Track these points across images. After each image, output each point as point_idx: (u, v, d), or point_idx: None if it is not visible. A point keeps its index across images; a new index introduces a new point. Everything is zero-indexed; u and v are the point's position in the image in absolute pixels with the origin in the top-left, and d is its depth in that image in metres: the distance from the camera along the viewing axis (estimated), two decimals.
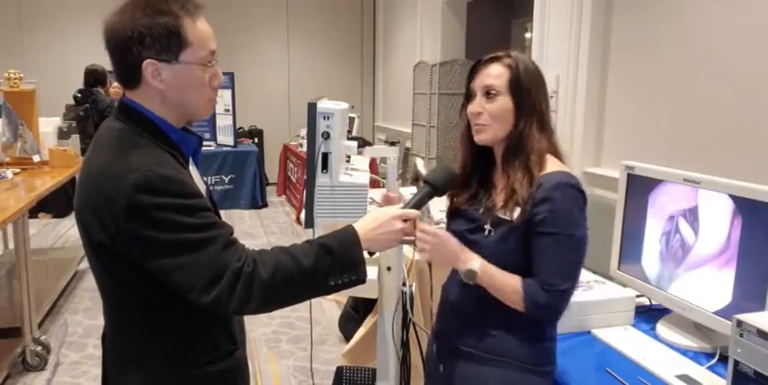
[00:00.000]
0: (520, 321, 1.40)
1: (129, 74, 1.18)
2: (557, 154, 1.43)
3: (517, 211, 1.36)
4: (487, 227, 1.41)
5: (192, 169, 1.28)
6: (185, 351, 1.27)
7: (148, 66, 1.15)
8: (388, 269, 1.72)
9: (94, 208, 1.14)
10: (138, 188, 1.09)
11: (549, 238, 1.34)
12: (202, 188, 1.27)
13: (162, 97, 1.20)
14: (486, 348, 1.44)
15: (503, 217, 1.39)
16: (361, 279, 1.23)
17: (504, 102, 1.39)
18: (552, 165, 1.39)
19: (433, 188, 1.40)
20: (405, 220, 1.30)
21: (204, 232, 1.14)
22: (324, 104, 1.51)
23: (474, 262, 1.37)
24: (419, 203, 1.38)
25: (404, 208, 1.35)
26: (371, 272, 1.69)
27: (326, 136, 1.49)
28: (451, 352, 1.51)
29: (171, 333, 1.26)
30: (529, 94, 1.39)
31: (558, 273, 1.35)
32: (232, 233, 1.19)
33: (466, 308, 1.48)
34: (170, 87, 1.18)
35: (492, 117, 1.40)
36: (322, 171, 1.51)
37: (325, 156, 1.50)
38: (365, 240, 1.24)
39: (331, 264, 1.19)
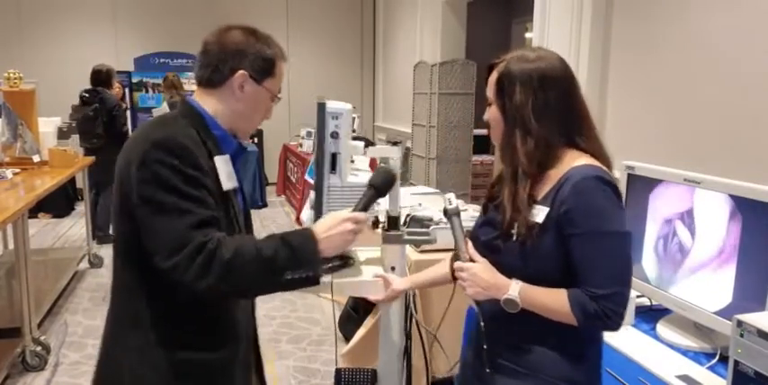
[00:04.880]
0: (557, 335, 1.31)
1: (219, 76, 1.37)
2: (595, 154, 1.33)
3: (544, 212, 1.28)
4: (514, 231, 1.31)
5: (222, 163, 1.35)
6: (173, 329, 1.34)
7: (240, 76, 1.36)
8: (393, 269, 1.72)
9: (126, 162, 1.29)
10: (155, 144, 1.25)
11: (580, 238, 1.24)
12: (230, 184, 1.36)
13: (231, 104, 1.38)
14: (523, 362, 1.35)
15: (531, 219, 1.29)
16: (317, 276, 1.30)
17: (494, 111, 1.35)
18: (582, 158, 1.31)
19: (375, 190, 1.46)
20: (356, 222, 1.37)
21: (187, 202, 1.23)
22: (332, 104, 1.51)
23: (512, 289, 1.28)
24: (366, 205, 1.44)
25: (353, 211, 1.40)
26: (372, 270, 1.70)
27: (335, 135, 1.48)
28: (493, 365, 1.39)
29: (163, 304, 1.33)
30: (510, 97, 1.31)
31: (600, 275, 1.23)
32: (214, 218, 1.26)
33: (501, 321, 1.36)
34: (244, 100, 1.38)
35: (491, 126, 1.38)
36: (331, 171, 1.51)
37: (334, 157, 1.49)
38: (321, 240, 1.32)
39: (289, 256, 1.27)
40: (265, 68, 1.39)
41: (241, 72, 1.36)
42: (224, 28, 1.40)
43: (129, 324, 1.35)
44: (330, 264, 1.65)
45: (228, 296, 1.33)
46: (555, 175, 1.30)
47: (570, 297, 1.25)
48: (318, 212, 1.54)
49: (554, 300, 1.26)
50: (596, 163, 1.30)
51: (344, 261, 1.72)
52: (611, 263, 1.25)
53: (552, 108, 1.30)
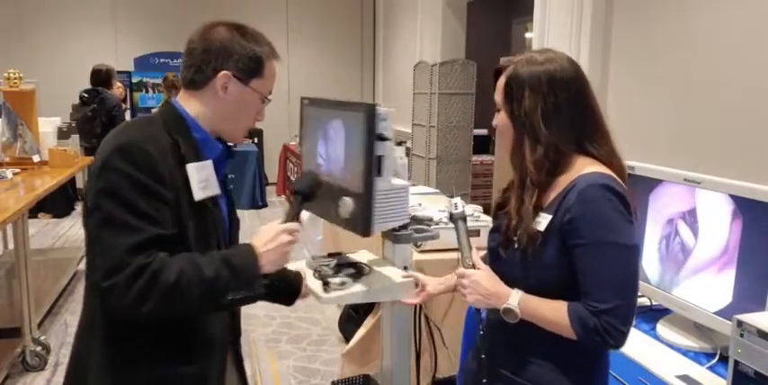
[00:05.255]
0: (559, 348, 1.26)
1: (202, 77, 1.31)
2: (607, 161, 1.29)
3: (547, 220, 1.24)
4: (515, 239, 1.29)
5: (195, 171, 1.28)
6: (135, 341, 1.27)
7: (223, 76, 1.30)
8: (405, 268, 1.72)
9: (95, 166, 1.23)
10: (116, 149, 1.20)
11: (584, 249, 1.19)
12: (204, 193, 1.28)
13: (215, 106, 1.33)
14: (522, 374, 1.31)
15: (533, 227, 1.26)
16: (259, 294, 1.26)
17: (502, 117, 1.31)
18: (593, 166, 1.26)
19: (302, 195, 1.43)
20: (290, 233, 1.32)
21: (136, 218, 1.17)
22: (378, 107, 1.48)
23: (511, 299, 1.25)
24: (297, 214, 1.41)
25: (285, 221, 1.36)
26: (394, 272, 1.69)
27: (383, 138, 1.43)
28: (492, 375, 1.36)
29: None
30: (518, 103, 1.26)
31: (603, 289, 1.18)
32: (163, 236, 1.19)
33: (501, 330, 1.34)
34: (228, 101, 1.32)
35: (498, 132, 1.34)
36: (377, 175, 1.45)
37: (379, 160, 1.44)
38: (261, 255, 1.27)
39: (231, 277, 1.22)
40: (252, 68, 1.32)
41: (224, 72, 1.29)
42: (209, 25, 1.33)
43: (91, 334, 1.30)
44: (346, 272, 1.61)
45: (167, 318, 1.24)
46: (563, 182, 1.26)
47: (570, 310, 1.20)
48: (368, 220, 1.46)
49: (554, 313, 1.22)
50: (607, 171, 1.25)
51: (359, 269, 1.66)
52: (615, 276, 1.19)
53: (562, 112, 1.25)
